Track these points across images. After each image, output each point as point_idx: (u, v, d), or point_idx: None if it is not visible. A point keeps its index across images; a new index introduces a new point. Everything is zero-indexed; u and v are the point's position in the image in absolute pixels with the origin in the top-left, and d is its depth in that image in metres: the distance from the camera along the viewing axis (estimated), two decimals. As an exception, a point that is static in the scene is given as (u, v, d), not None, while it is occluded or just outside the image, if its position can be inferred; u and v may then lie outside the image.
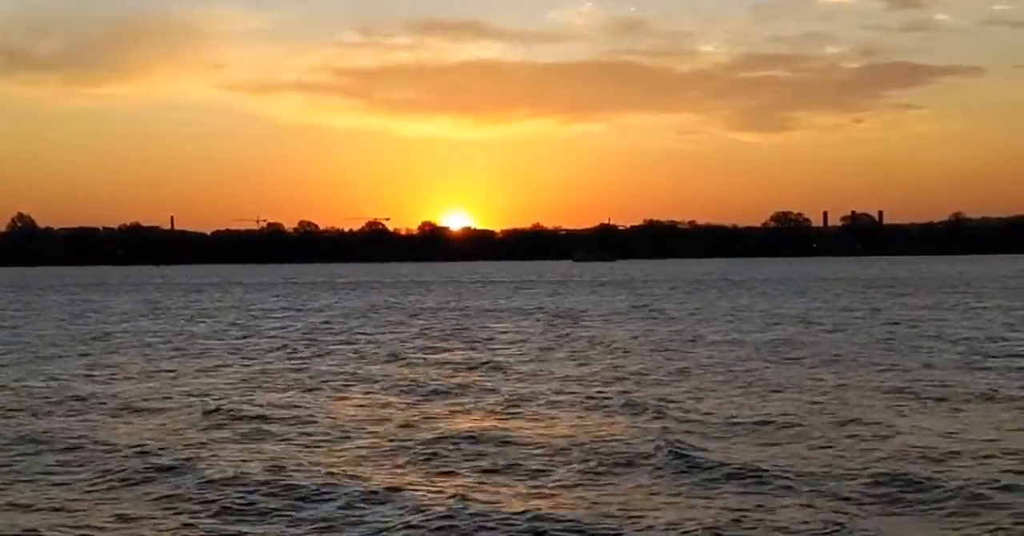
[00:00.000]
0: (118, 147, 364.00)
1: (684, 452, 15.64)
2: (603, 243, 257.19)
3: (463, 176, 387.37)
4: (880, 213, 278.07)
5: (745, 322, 44.78)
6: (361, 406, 21.48)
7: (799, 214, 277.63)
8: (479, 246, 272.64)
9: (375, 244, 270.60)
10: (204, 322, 51.26)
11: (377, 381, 25.57)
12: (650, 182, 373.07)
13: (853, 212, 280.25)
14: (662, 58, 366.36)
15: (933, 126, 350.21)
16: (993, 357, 28.67)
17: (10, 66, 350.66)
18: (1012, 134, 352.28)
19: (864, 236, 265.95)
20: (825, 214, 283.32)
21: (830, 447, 16.19)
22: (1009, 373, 25.16)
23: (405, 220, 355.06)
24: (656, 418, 19.12)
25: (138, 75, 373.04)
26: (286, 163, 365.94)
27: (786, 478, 14.01)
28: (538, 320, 49.21)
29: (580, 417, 19.50)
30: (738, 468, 14.59)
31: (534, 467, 15.13)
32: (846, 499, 13.01)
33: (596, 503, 13.05)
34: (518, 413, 20.20)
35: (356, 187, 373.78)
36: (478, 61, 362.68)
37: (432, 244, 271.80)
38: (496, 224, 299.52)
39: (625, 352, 32.10)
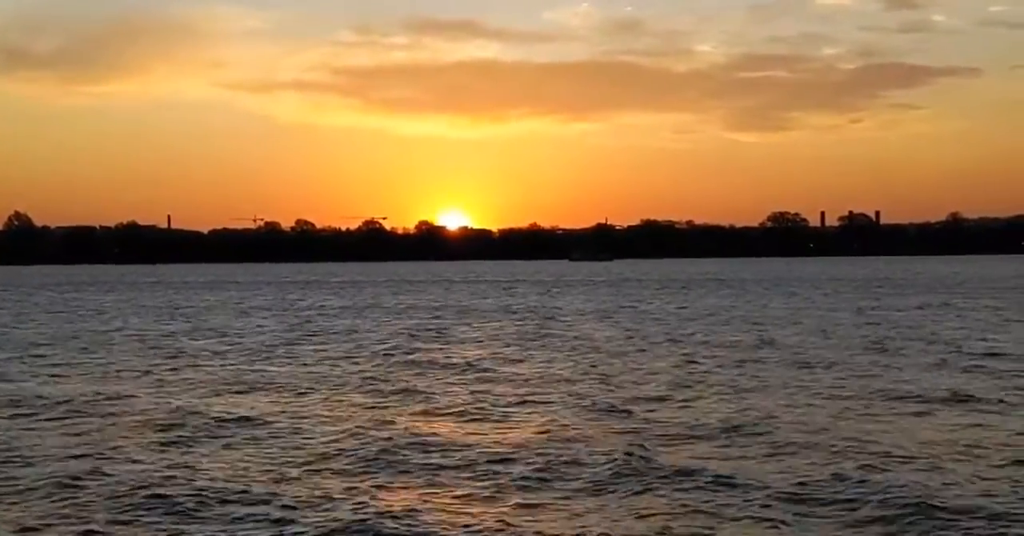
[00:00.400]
0: (116, 146, 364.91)
1: (645, 455, 15.40)
2: (600, 243, 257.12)
3: (460, 175, 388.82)
4: (877, 213, 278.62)
5: (728, 323, 44.49)
6: (326, 407, 21.19)
7: (796, 214, 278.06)
8: (476, 245, 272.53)
9: (372, 243, 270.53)
10: (189, 322, 50.98)
11: (347, 381, 25.26)
12: (647, 182, 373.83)
13: (850, 212, 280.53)
14: (659, 58, 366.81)
15: (930, 126, 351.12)
16: (972, 358, 28.39)
17: (8, 64, 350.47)
18: (1009, 134, 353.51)
19: (861, 236, 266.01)
20: (822, 214, 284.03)
21: (793, 451, 15.91)
22: (984, 375, 24.90)
23: (402, 219, 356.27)
24: (623, 420, 18.92)
25: (136, 74, 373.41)
26: (283, 162, 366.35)
27: (747, 483, 13.75)
28: (522, 320, 48.95)
29: (546, 419, 19.22)
30: (698, 472, 14.35)
31: (493, 469, 14.90)
32: (805, 504, 12.77)
33: (550, 508, 12.82)
34: (486, 414, 19.93)
35: (353, 186, 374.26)
36: (475, 61, 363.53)
37: (429, 243, 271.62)
38: (493, 223, 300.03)
39: (602, 353, 31.80)
